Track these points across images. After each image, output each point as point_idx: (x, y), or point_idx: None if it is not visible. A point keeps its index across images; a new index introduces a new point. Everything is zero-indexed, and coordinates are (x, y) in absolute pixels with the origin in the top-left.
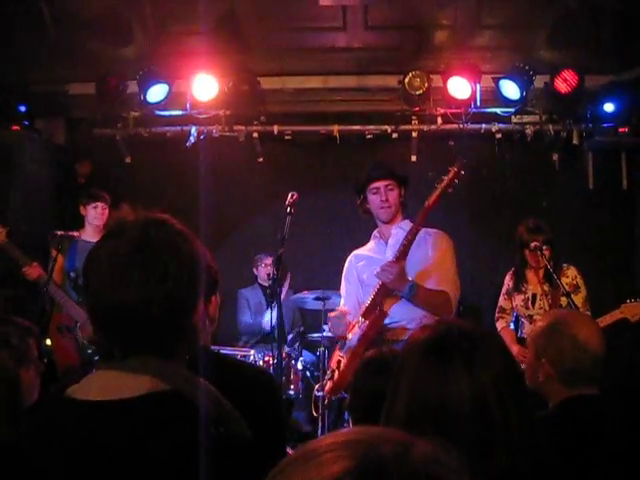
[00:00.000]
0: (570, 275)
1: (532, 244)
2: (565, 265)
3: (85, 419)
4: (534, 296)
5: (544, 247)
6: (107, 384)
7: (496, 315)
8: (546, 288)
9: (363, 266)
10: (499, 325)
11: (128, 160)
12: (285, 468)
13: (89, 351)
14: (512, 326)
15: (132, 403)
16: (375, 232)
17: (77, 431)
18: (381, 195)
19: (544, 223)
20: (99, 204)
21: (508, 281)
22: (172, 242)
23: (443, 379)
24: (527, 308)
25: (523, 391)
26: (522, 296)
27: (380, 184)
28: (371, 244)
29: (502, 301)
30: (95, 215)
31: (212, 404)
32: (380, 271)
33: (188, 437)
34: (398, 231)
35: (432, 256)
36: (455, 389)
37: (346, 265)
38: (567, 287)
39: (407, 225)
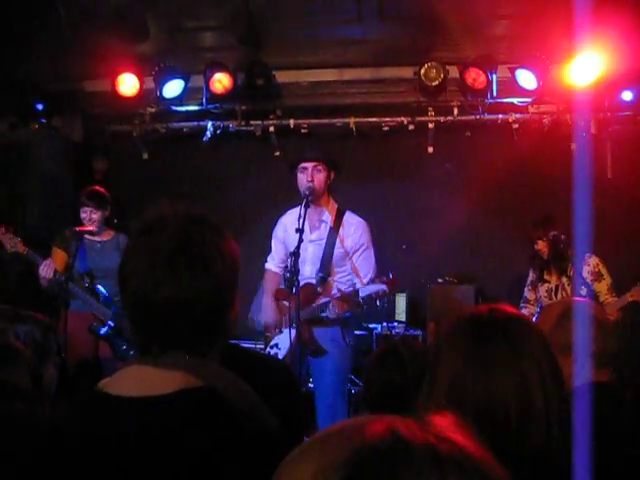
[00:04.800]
0: (592, 264)
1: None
2: (587, 254)
3: (118, 415)
4: (557, 287)
5: (545, 239)
6: (140, 380)
7: (520, 305)
8: (565, 279)
9: (287, 234)
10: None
11: (145, 156)
12: (291, 459)
13: (124, 347)
14: (534, 319)
15: (165, 399)
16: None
17: (110, 427)
18: (307, 175)
19: (550, 217)
20: (87, 209)
21: (532, 273)
22: (213, 241)
23: (486, 365)
24: (550, 298)
25: (559, 372)
26: (546, 286)
27: (308, 164)
28: (295, 218)
29: (526, 292)
30: (83, 218)
31: (244, 399)
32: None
33: (221, 433)
34: (322, 226)
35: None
36: (499, 377)
37: (278, 225)
38: (590, 276)
39: (328, 217)
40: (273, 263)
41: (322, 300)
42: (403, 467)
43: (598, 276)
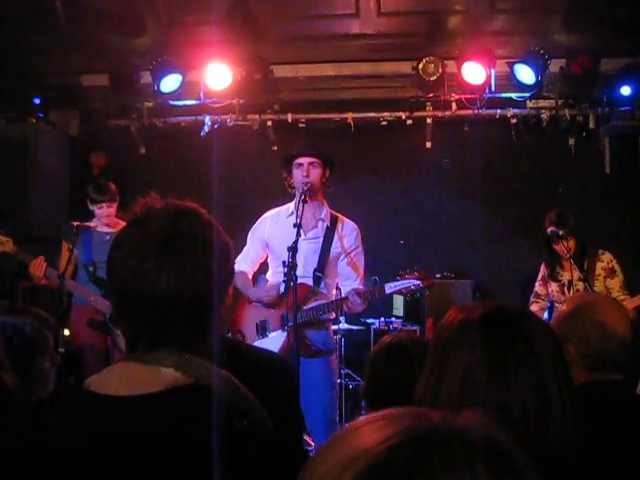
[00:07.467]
0: (605, 260)
1: (550, 232)
2: (601, 251)
3: (107, 415)
4: (569, 282)
5: (567, 237)
6: (128, 378)
7: (531, 299)
8: (576, 275)
9: (274, 233)
10: (532, 309)
11: (142, 151)
12: (326, 446)
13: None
14: (546, 314)
15: (155, 398)
16: (293, 207)
17: (99, 428)
18: (303, 170)
19: (568, 213)
20: (103, 205)
21: (543, 269)
22: (203, 233)
23: (504, 365)
24: (563, 294)
25: (570, 370)
26: (557, 283)
27: (304, 160)
28: (286, 216)
29: (538, 287)
30: (101, 215)
31: (235, 396)
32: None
33: (211, 431)
34: (319, 225)
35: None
36: (518, 376)
37: (259, 223)
38: (603, 272)
39: (326, 215)
40: (244, 264)
41: (316, 302)
42: (437, 455)
43: (611, 273)
